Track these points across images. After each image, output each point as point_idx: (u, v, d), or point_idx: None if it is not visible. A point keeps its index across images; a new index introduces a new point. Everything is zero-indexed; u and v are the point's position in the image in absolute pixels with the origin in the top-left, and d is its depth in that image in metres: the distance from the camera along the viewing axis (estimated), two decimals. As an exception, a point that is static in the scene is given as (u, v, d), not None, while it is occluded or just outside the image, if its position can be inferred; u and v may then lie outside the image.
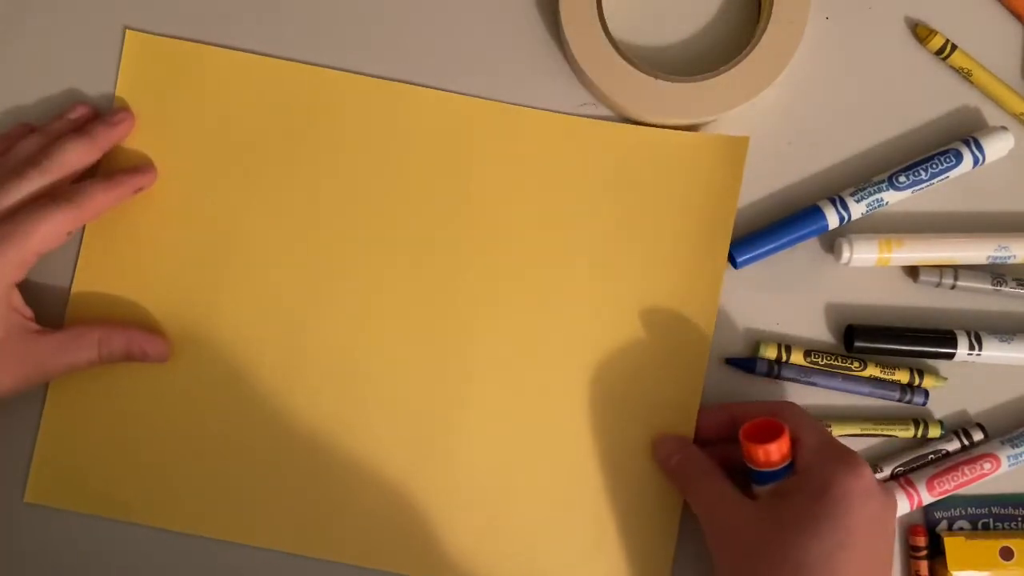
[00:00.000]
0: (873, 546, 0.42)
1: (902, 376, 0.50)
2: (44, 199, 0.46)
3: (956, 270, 0.50)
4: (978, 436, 0.50)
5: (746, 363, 0.50)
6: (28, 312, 0.48)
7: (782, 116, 0.52)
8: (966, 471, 0.49)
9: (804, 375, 0.50)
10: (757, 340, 0.50)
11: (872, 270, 0.51)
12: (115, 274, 0.51)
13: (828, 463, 0.43)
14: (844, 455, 0.43)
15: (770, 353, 0.50)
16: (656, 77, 0.50)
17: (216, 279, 0.51)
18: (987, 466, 0.49)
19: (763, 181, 0.51)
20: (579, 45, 0.50)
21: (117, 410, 0.50)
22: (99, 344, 0.48)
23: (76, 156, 0.48)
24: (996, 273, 0.50)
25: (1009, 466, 0.49)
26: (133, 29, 0.52)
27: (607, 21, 0.50)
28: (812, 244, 0.51)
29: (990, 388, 0.51)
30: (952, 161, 0.50)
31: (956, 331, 0.50)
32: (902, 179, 0.50)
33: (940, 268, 0.50)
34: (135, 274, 0.51)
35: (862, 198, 0.49)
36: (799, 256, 0.51)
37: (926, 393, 0.50)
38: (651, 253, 0.50)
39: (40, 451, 0.50)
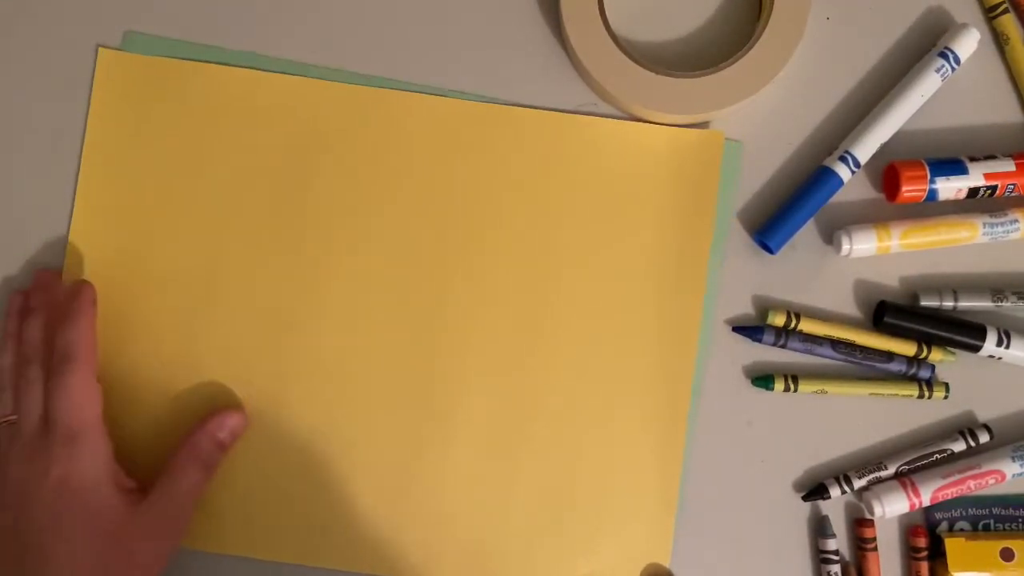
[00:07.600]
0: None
1: (909, 349, 0.50)
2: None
3: (955, 292, 0.50)
4: (984, 438, 0.49)
5: (753, 331, 0.50)
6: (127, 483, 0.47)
7: (782, 113, 0.51)
8: (971, 485, 0.49)
9: (811, 346, 0.50)
10: (766, 307, 0.50)
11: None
12: (104, 285, 0.50)
13: None
14: None
15: (778, 320, 0.49)
16: (657, 72, 0.49)
17: (207, 296, 0.50)
18: (991, 481, 0.49)
19: (765, 177, 0.51)
20: (580, 40, 0.49)
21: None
22: (191, 460, 0.47)
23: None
24: (995, 289, 0.50)
25: (1012, 479, 0.49)
26: (105, 46, 0.51)
27: (608, 16, 0.49)
28: (814, 240, 0.51)
29: (1004, 392, 0.51)
30: (932, 65, 0.49)
31: (987, 325, 0.49)
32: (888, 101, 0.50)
33: (939, 291, 0.50)
34: (126, 287, 0.50)
35: (859, 135, 0.49)
36: (806, 251, 0.51)
37: (932, 367, 0.50)
38: (635, 244, 0.50)
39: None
